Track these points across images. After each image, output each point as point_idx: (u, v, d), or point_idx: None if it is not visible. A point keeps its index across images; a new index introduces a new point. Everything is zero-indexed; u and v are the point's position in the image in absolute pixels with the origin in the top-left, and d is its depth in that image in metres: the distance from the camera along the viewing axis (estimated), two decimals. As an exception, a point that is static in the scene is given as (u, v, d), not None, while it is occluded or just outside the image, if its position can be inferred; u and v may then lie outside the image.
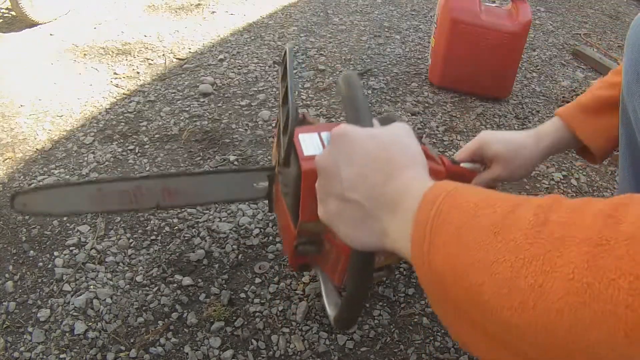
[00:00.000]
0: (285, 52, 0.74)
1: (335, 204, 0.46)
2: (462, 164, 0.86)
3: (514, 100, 1.85)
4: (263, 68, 1.89)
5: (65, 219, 1.16)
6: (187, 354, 0.89)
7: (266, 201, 0.87)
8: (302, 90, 1.76)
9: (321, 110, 1.65)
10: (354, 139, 0.45)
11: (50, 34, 2.09)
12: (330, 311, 0.75)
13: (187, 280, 1.01)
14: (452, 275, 0.36)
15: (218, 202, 0.86)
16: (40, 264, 1.05)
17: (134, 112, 1.59)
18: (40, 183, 0.89)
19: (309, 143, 0.64)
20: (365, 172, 0.43)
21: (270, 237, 1.13)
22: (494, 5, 1.80)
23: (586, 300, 0.29)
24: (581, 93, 1.92)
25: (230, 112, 1.61)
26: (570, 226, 0.32)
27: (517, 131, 0.86)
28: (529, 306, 0.31)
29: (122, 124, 1.53)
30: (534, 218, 0.34)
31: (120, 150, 1.41)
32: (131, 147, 1.42)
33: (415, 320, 0.98)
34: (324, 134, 0.66)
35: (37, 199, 0.78)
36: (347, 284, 0.56)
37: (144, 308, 0.96)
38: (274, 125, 0.78)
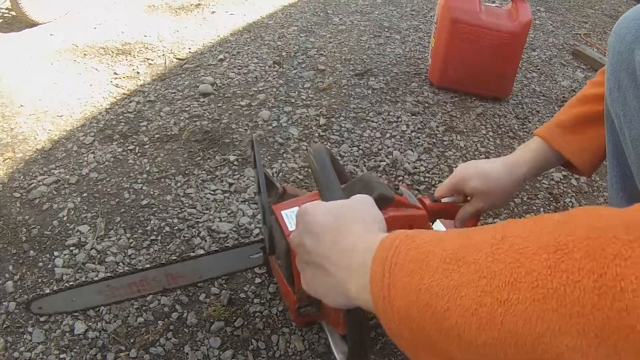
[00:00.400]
0: (252, 142, 0.80)
1: (310, 272, 0.51)
2: (443, 200, 0.90)
3: (514, 100, 1.85)
4: (263, 68, 1.89)
5: (65, 218, 1.16)
6: (187, 354, 0.89)
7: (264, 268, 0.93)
8: (302, 90, 1.76)
9: (321, 110, 1.65)
10: (313, 214, 0.51)
11: (50, 34, 2.09)
12: (338, 358, 0.80)
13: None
14: (416, 308, 0.37)
15: (220, 277, 0.97)
16: (40, 264, 1.05)
17: (134, 112, 1.59)
18: (54, 288, 0.99)
19: (292, 218, 0.71)
20: (321, 238, 0.49)
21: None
22: (494, 5, 1.80)
23: (554, 306, 0.29)
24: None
25: (230, 112, 1.61)
26: (527, 238, 0.33)
27: (494, 161, 0.87)
28: (497, 321, 0.31)
29: (122, 124, 1.53)
30: (491, 239, 0.35)
31: (120, 150, 1.41)
32: (131, 147, 1.42)
33: (415, 320, 0.98)
34: None
35: (51, 302, 0.85)
36: (347, 335, 0.61)
37: (144, 308, 0.96)
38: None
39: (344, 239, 0.47)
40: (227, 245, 1.11)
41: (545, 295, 0.29)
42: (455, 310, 0.34)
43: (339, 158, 1.43)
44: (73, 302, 0.86)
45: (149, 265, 0.92)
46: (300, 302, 0.76)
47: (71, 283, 1.01)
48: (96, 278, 0.98)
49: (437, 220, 1.06)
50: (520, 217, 1.27)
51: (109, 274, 1.02)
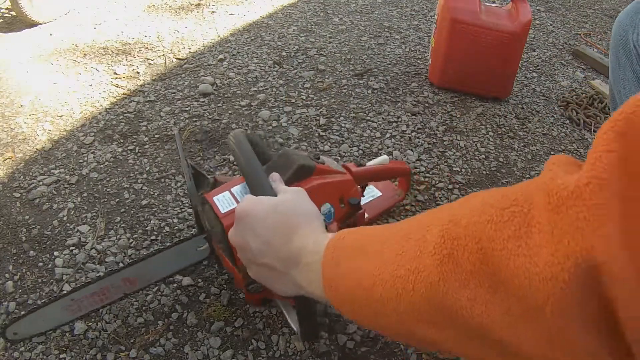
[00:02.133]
0: (174, 137, 0.82)
1: (255, 267, 0.54)
2: (368, 164, 0.94)
3: (514, 100, 1.85)
4: (263, 68, 1.89)
5: (65, 218, 1.16)
6: (187, 354, 0.89)
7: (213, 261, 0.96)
8: (302, 90, 1.76)
9: (321, 110, 1.65)
10: (254, 215, 0.53)
11: (50, 34, 2.09)
12: (295, 327, 0.82)
13: (187, 280, 1.01)
14: (352, 290, 0.42)
15: (175, 274, 0.96)
16: (40, 264, 1.05)
17: (134, 112, 1.59)
18: (20, 313, 0.96)
19: (223, 202, 0.76)
20: (268, 240, 0.51)
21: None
22: (494, 5, 1.80)
23: (451, 268, 0.33)
24: (581, 93, 1.92)
25: (230, 112, 1.61)
26: (432, 218, 0.38)
27: None
28: (410, 288, 0.36)
29: (122, 124, 1.53)
30: (412, 222, 0.40)
31: (120, 150, 1.41)
32: (131, 147, 1.42)
33: (415, 320, 0.98)
34: (234, 189, 0.77)
35: (24, 326, 0.84)
36: (298, 317, 0.65)
37: (144, 308, 0.96)
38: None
39: (293, 242, 0.50)
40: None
41: (442, 261, 0.34)
42: (379, 285, 0.39)
43: (339, 158, 1.43)
44: (44, 323, 0.86)
45: (103, 274, 0.92)
46: (247, 280, 0.77)
47: (34, 306, 0.98)
48: (57, 295, 0.96)
49: (370, 184, 1.12)
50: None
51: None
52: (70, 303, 0.84)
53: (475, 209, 0.33)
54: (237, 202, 0.76)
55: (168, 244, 1.10)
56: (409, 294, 0.36)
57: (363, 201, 0.94)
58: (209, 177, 0.90)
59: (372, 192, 1.14)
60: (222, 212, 0.74)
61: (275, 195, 0.58)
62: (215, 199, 0.76)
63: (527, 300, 0.29)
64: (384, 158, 0.98)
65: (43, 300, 0.98)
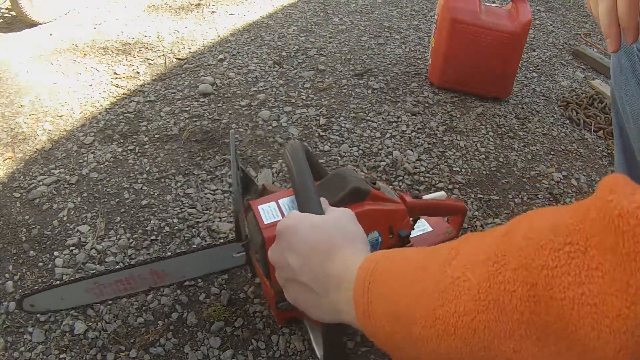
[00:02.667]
0: (229, 137, 0.80)
1: (293, 288, 0.51)
2: (424, 197, 0.89)
3: (514, 100, 1.85)
4: (263, 68, 1.89)
5: (65, 218, 1.16)
6: (187, 354, 0.89)
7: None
8: (302, 90, 1.76)
9: (321, 110, 1.65)
10: (295, 231, 0.50)
11: (50, 34, 2.09)
12: (319, 353, 0.81)
13: (187, 280, 1.01)
14: (388, 321, 0.39)
15: (205, 275, 0.97)
16: (40, 264, 1.05)
17: (134, 112, 1.59)
18: (43, 285, 0.97)
19: (268, 212, 0.73)
20: (307, 257, 0.48)
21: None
22: (494, 5, 1.80)
23: (496, 315, 0.31)
24: (581, 93, 1.92)
25: (230, 112, 1.61)
26: (474, 252, 0.35)
27: None
28: (451, 332, 0.33)
29: (122, 124, 1.53)
30: (447, 254, 0.37)
31: (120, 150, 1.41)
32: (131, 147, 1.42)
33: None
34: (282, 201, 0.74)
35: (42, 299, 0.85)
36: (323, 345, 0.61)
37: (144, 308, 0.96)
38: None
39: (333, 263, 0.47)
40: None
41: (487, 307, 0.31)
42: (419, 322, 0.36)
43: (339, 158, 1.43)
44: (63, 301, 0.86)
45: (133, 262, 0.93)
46: (279, 296, 0.76)
47: (58, 281, 1.00)
48: (83, 275, 0.98)
49: (422, 218, 1.07)
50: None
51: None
52: (93, 286, 0.84)
53: (525, 250, 0.30)
54: (283, 215, 0.73)
55: (170, 244, 1.10)
56: (450, 337, 0.33)
57: (412, 234, 0.88)
58: (257, 184, 0.88)
59: (422, 227, 1.07)
60: (265, 222, 0.71)
61: (323, 214, 0.54)
62: (260, 207, 0.73)
63: (594, 352, 0.27)
64: (441, 194, 0.93)
65: (68, 279, 0.99)
